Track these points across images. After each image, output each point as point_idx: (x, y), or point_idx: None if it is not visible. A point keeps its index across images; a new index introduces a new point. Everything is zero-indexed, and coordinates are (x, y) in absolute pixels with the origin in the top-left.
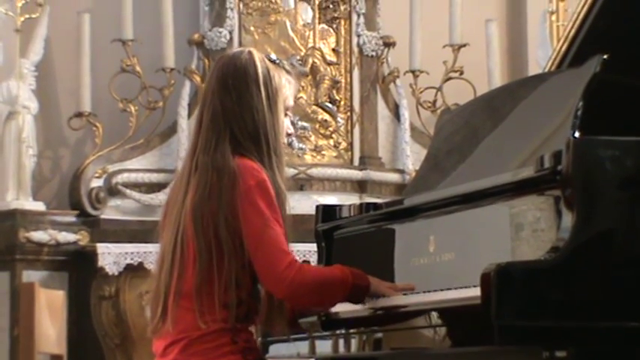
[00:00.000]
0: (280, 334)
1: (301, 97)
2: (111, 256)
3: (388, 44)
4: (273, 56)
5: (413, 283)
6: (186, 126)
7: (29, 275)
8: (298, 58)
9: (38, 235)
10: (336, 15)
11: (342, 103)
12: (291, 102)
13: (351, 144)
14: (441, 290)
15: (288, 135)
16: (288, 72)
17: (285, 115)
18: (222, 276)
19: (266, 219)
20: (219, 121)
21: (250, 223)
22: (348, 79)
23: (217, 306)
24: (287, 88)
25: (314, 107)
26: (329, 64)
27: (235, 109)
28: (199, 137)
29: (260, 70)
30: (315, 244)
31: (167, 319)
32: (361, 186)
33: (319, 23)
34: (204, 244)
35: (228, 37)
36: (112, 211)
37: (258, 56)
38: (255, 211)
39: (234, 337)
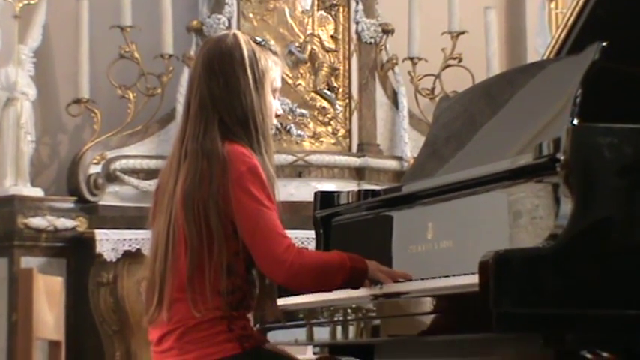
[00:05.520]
0: (271, 318)
1: (299, 84)
2: (109, 242)
3: (387, 31)
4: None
5: (411, 271)
6: None
7: (27, 261)
8: (297, 45)
9: (36, 222)
10: (334, 2)
11: (341, 90)
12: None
13: (349, 131)
14: (439, 277)
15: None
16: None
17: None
18: (212, 263)
19: (260, 204)
20: (207, 107)
21: (244, 209)
22: (347, 66)
23: (209, 293)
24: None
25: (312, 94)
26: (327, 51)
27: (223, 94)
28: (188, 124)
29: (246, 53)
30: (313, 231)
31: (163, 308)
32: (359, 173)
33: (318, 10)
34: (194, 231)
35: (226, 23)
36: (110, 197)
37: (243, 39)
38: (249, 196)
39: (230, 325)
